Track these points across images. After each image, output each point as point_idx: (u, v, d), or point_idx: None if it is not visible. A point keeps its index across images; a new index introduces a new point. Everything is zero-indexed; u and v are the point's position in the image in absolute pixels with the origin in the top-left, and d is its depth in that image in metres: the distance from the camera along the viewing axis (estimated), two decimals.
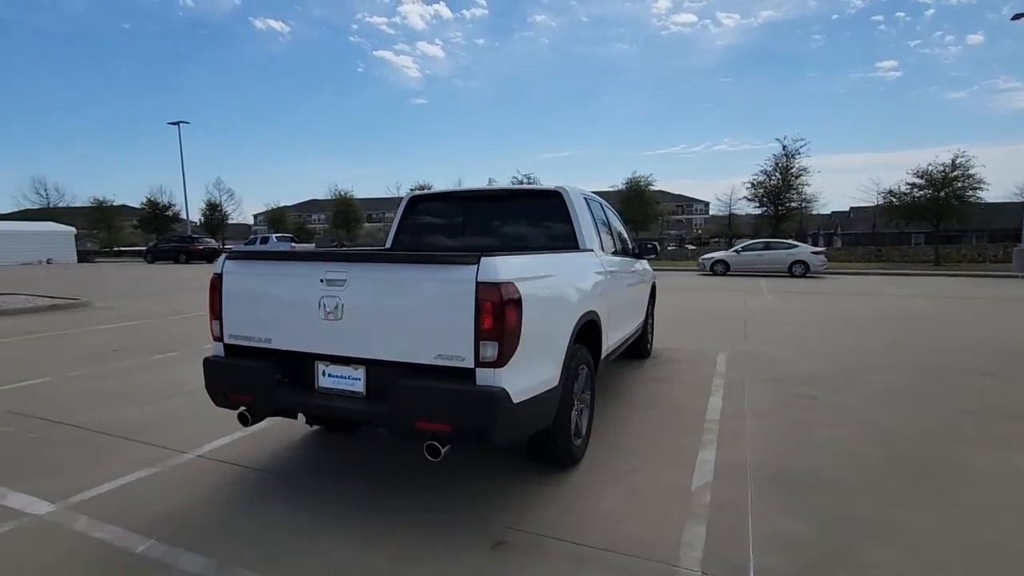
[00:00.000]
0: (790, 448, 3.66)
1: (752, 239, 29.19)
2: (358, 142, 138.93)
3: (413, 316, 2.55)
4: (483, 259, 2.44)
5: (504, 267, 2.47)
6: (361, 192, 55.50)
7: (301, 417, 3.05)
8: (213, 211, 49.49)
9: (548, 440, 3.10)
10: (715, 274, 22.01)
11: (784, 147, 30.36)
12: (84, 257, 42.65)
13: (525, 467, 3.32)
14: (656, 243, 5.87)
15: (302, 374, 2.85)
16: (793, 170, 30.34)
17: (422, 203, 4.53)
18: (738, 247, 23.32)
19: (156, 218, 47.89)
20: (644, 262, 6.06)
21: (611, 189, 35.13)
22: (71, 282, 18.73)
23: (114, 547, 2.51)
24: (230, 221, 53.21)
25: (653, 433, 3.97)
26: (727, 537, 2.57)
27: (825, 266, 21.19)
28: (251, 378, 2.89)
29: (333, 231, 53.71)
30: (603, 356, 3.95)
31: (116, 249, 51.66)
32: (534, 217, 4.22)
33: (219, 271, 3.02)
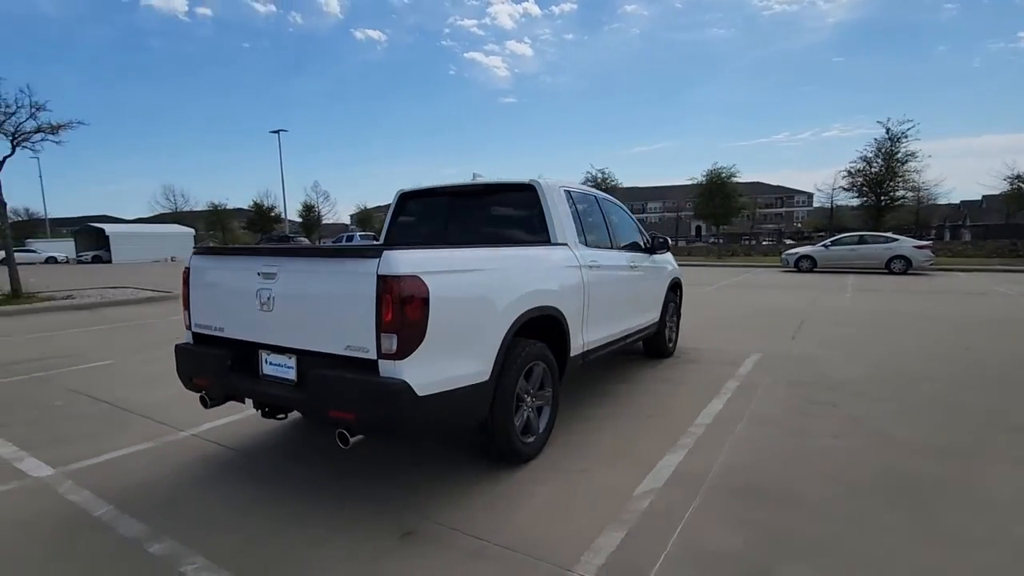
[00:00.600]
0: (773, 458, 3.36)
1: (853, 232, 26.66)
2: (448, 142, 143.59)
3: (328, 308, 2.64)
4: (385, 252, 2.48)
5: (406, 261, 2.50)
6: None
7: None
8: (309, 212, 53.24)
9: (489, 436, 3.08)
10: (800, 271, 20.44)
11: (888, 130, 27.47)
12: None
13: (471, 461, 3.31)
14: (666, 238, 5.60)
15: (250, 362, 3.04)
16: (899, 155, 27.37)
17: (411, 200, 4.63)
18: (827, 241, 21.46)
19: (261, 219, 52.33)
20: (663, 256, 5.80)
21: (689, 182, 33.51)
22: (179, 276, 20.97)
23: (79, 509, 2.83)
24: (325, 221, 56.97)
25: (627, 435, 3.80)
26: (642, 546, 2.42)
27: (931, 262, 18.91)
28: (209, 364, 3.13)
29: None
30: (578, 354, 3.84)
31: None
32: (510, 210, 4.19)
33: (187, 265, 3.30)
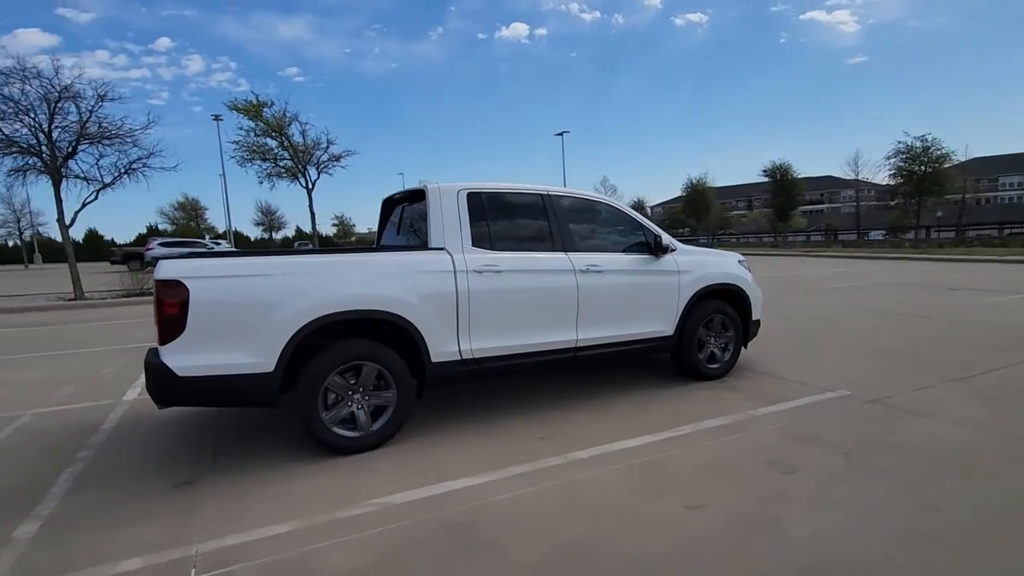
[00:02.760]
0: None
1: None
2: (787, 116, 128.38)
3: None
4: (159, 261, 3.14)
5: (173, 268, 3.11)
6: (801, 170, 48.55)
7: None
8: None
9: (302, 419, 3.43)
10: None
11: None
12: None
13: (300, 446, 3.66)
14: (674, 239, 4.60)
15: None
16: None
17: (386, 206, 5.07)
18: None
19: None
20: (685, 259, 4.80)
21: None
22: None
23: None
24: None
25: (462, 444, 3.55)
26: None
27: None
28: None
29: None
30: (453, 360, 3.76)
31: None
32: (418, 216, 4.26)
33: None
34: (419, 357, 3.67)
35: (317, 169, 16.18)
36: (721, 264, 5.13)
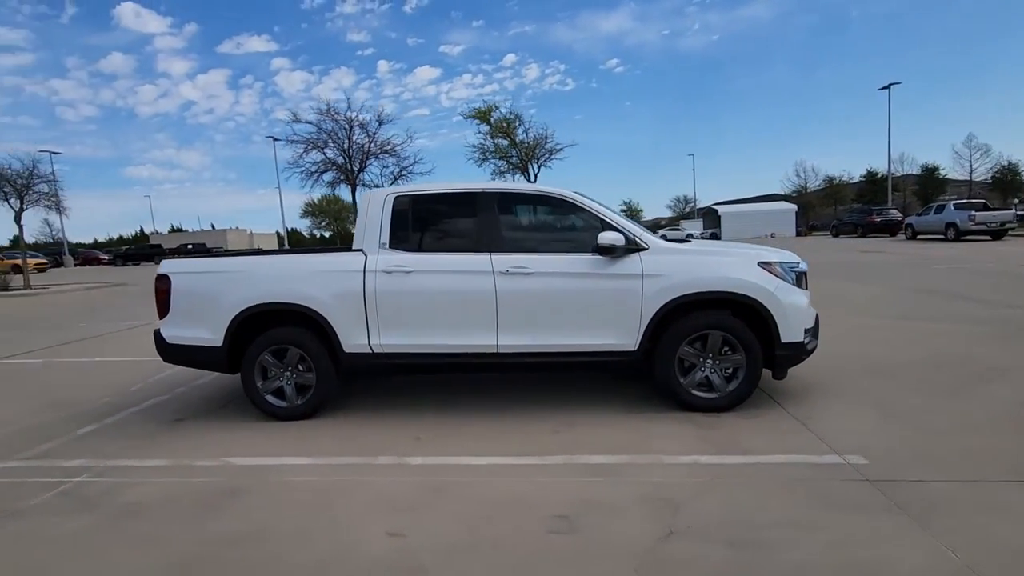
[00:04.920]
0: None
1: None
2: None
3: None
4: (161, 259, 4.40)
5: (166, 264, 4.32)
6: None
7: None
8: (931, 174, 43.80)
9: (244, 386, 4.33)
10: None
11: None
12: (800, 232, 48.17)
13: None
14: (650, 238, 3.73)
15: None
16: None
17: None
18: None
19: (871, 190, 47.42)
20: (653, 260, 3.93)
21: None
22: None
23: None
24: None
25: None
26: None
27: None
28: None
29: None
30: (363, 352, 4.10)
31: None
32: None
33: None
34: (332, 345, 4.15)
35: (538, 163, 17.42)
36: (721, 266, 3.98)
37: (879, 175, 46.81)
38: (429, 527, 2.63)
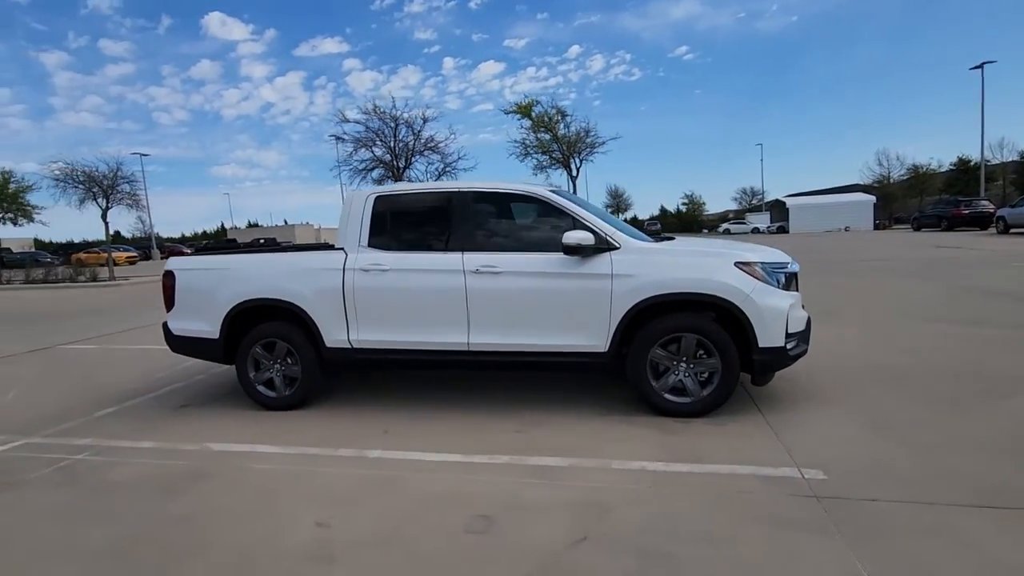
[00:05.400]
0: None
1: None
2: None
3: None
4: (169, 258, 4.75)
5: (171, 262, 4.67)
6: None
7: None
8: None
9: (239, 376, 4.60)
10: None
11: None
12: (879, 225, 44.94)
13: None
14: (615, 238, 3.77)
15: None
16: None
17: None
18: None
19: (962, 179, 43.44)
20: (625, 258, 3.85)
21: None
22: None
23: None
24: None
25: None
26: None
27: None
28: None
29: None
30: (343, 348, 4.25)
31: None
32: None
33: None
34: (313, 339, 4.34)
35: (579, 158, 17.19)
36: (694, 267, 3.82)
37: (972, 163, 42.68)
38: (357, 520, 2.72)
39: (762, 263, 3.83)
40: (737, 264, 3.77)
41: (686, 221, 62.48)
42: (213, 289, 4.52)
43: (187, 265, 4.77)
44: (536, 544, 2.43)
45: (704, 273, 3.77)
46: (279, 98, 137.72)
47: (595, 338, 3.90)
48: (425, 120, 17.86)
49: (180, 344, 4.75)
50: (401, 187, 4.56)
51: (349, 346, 4.28)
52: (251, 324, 4.49)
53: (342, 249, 4.35)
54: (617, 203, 58.40)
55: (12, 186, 24.57)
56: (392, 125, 17.63)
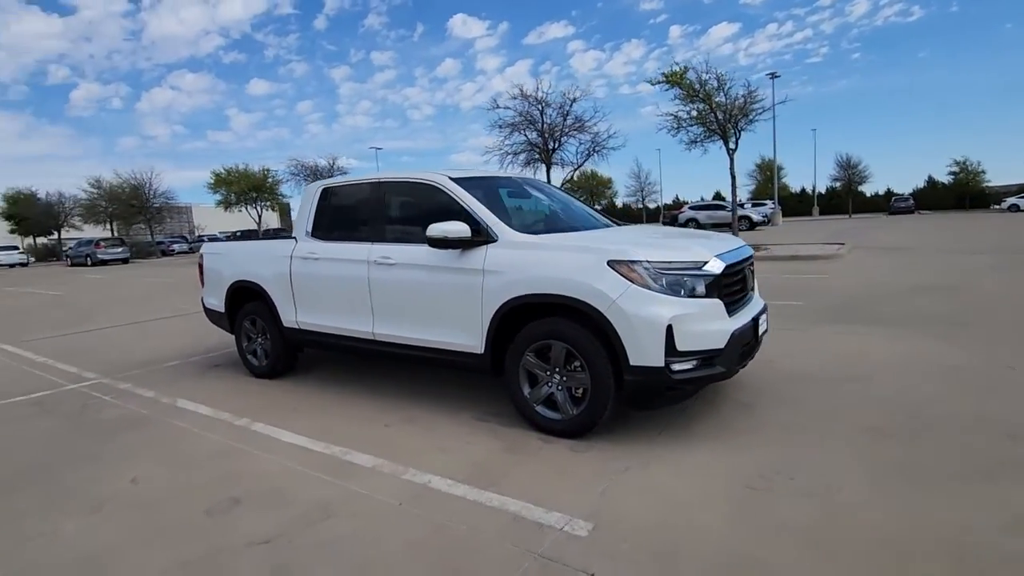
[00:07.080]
0: None
1: None
2: None
3: None
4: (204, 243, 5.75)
5: (202, 247, 5.65)
6: None
7: None
8: None
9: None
10: None
11: None
12: None
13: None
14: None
15: None
16: None
17: None
18: None
19: None
20: (500, 252, 3.46)
21: None
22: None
23: None
24: None
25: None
26: None
27: None
28: None
29: None
30: (293, 328, 4.69)
31: None
32: None
33: None
34: (276, 317, 4.86)
35: (737, 129, 15.00)
36: (559, 265, 3.22)
37: None
38: (160, 481, 3.10)
39: (651, 262, 3.09)
40: (611, 263, 3.12)
41: (957, 194, 49.86)
42: (220, 271, 5.37)
43: (209, 250, 5.74)
44: (232, 537, 2.49)
45: (566, 273, 3.21)
46: (508, 87, 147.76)
47: (472, 338, 3.64)
48: (574, 100, 17.54)
49: (208, 315, 5.76)
50: (344, 179, 4.78)
51: (296, 327, 4.70)
52: (244, 301, 5.23)
53: (294, 238, 4.77)
54: (849, 175, 49.04)
55: (269, 180, 31.60)
56: (539, 108, 17.72)
